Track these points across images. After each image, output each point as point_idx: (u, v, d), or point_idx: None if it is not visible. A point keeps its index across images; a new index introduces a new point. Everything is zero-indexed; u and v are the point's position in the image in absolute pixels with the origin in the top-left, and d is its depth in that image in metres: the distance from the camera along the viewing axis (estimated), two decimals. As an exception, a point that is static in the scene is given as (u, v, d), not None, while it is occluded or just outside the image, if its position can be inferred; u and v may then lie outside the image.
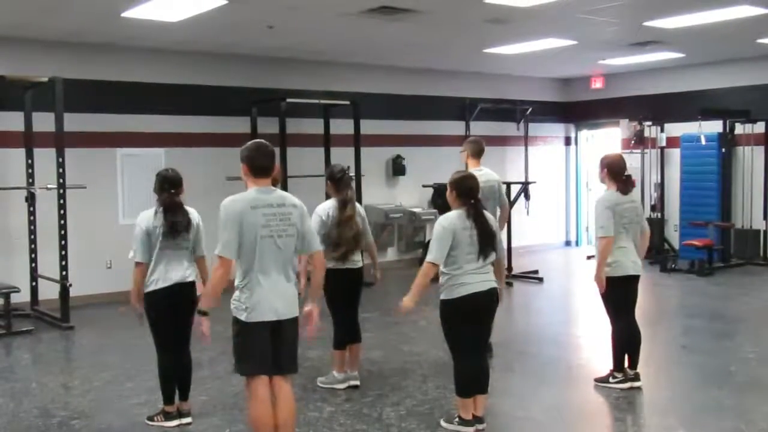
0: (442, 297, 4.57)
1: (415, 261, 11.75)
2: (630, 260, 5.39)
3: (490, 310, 4.66)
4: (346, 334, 5.59)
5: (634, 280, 5.46)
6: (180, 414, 4.87)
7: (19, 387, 5.81)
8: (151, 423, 4.86)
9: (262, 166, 3.91)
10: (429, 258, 4.49)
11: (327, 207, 5.41)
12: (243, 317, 3.84)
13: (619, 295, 5.42)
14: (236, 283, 3.89)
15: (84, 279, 8.44)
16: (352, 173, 10.10)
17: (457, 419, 4.65)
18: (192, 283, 4.82)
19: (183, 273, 4.76)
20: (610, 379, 5.49)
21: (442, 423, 4.74)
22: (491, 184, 6.37)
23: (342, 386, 5.52)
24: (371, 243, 5.68)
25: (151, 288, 4.72)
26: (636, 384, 5.43)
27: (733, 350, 6.63)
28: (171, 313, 4.74)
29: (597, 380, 5.58)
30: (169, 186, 4.75)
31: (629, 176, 5.51)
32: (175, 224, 4.68)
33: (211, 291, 3.86)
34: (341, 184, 5.45)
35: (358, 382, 5.56)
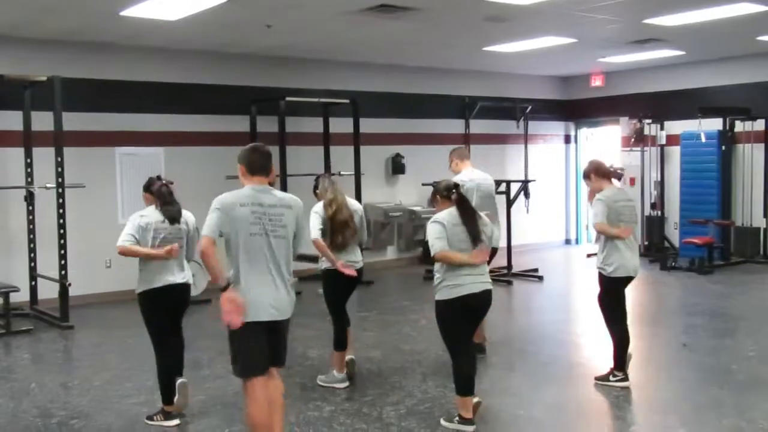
0: (437, 297, 4.59)
1: (415, 260, 11.76)
2: (631, 262, 5.42)
3: (483, 311, 4.74)
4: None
5: (630, 281, 5.52)
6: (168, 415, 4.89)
7: (18, 387, 5.80)
8: (150, 422, 4.85)
9: (259, 164, 3.94)
10: (437, 249, 4.49)
11: (321, 205, 5.47)
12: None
13: (619, 295, 5.45)
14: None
15: (83, 278, 8.43)
16: (351, 172, 10.15)
17: (457, 418, 4.65)
18: (186, 285, 4.85)
19: (177, 275, 4.79)
20: (611, 378, 5.49)
21: (443, 422, 4.73)
22: (489, 182, 6.42)
23: (342, 385, 5.52)
24: (363, 240, 5.73)
25: (145, 288, 4.73)
26: (625, 383, 5.44)
27: (733, 348, 6.62)
28: (165, 313, 4.78)
29: (597, 379, 5.57)
30: (158, 177, 4.91)
31: (615, 169, 5.57)
32: (171, 212, 4.76)
33: (210, 271, 3.79)
34: (322, 188, 5.53)
35: (352, 356, 5.62)
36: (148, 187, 4.95)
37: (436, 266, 4.59)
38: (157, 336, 4.83)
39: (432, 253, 4.53)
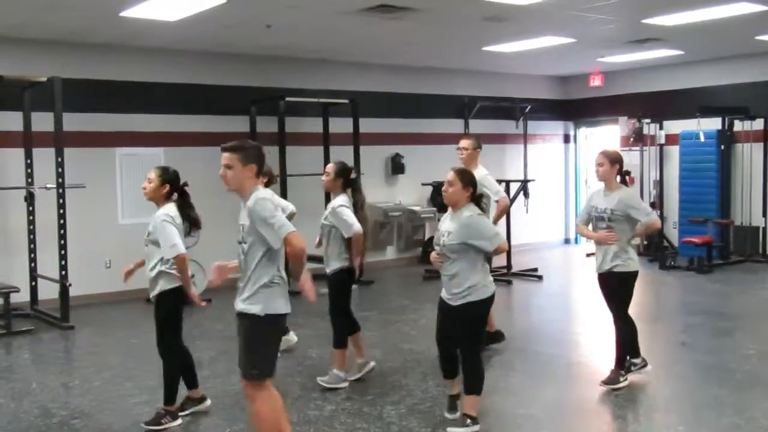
0: (474, 299, 4.47)
1: (414, 259, 11.77)
2: (637, 256, 5.46)
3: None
4: (350, 326, 5.60)
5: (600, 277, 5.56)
6: (201, 400, 4.98)
7: (19, 387, 5.81)
8: (159, 427, 4.75)
9: (263, 168, 3.94)
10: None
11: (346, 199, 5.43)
12: (283, 309, 3.81)
13: (632, 290, 5.44)
14: (267, 279, 3.77)
15: (83, 279, 8.43)
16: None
17: (470, 421, 4.58)
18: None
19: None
20: (621, 380, 5.42)
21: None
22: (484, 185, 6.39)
23: (344, 384, 5.52)
24: None
25: (178, 284, 4.69)
26: (648, 368, 5.57)
27: (732, 347, 6.63)
28: (182, 311, 4.83)
29: (608, 384, 5.38)
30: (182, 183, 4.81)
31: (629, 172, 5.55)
32: (197, 218, 4.74)
33: (301, 264, 3.79)
34: (355, 185, 5.50)
35: (373, 363, 5.69)
36: (174, 182, 4.80)
37: (476, 268, 4.49)
38: (178, 334, 4.81)
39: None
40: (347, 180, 5.47)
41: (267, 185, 4.07)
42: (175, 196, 4.80)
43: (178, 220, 4.68)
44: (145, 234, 4.75)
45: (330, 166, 5.54)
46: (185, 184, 4.81)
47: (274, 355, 3.89)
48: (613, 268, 5.33)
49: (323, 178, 5.55)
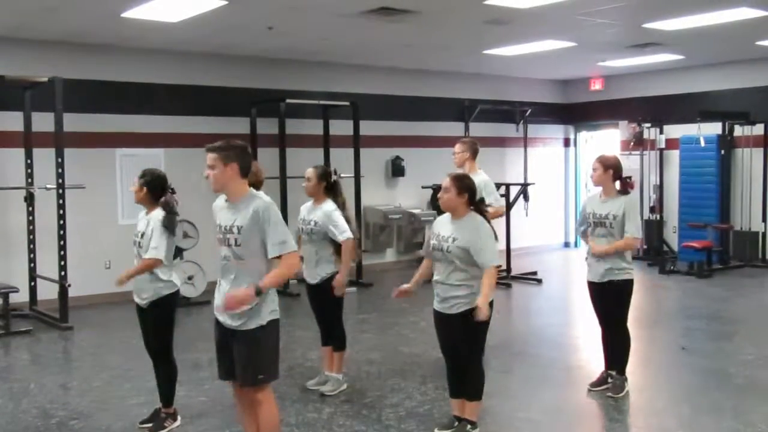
0: (475, 305, 4.36)
1: (414, 262, 11.76)
2: (632, 265, 5.40)
3: None
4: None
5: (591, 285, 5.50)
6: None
7: (17, 387, 5.81)
8: (163, 431, 4.75)
9: (249, 169, 3.85)
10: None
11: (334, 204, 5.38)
12: (277, 315, 3.79)
13: (629, 300, 5.36)
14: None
15: (83, 279, 8.44)
16: (351, 174, 10.17)
17: (470, 426, 4.54)
18: None
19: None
20: (626, 385, 5.42)
21: None
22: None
23: (345, 386, 5.52)
24: None
25: (174, 290, 4.67)
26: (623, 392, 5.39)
27: (732, 352, 6.63)
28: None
29: (613, 394, 5.34)
30: (171, 189, 4.75)
31: (630, 177, 5.50)
32: (174, 223, 4.68)
33: (282, 280, 3.77)
34: (336, 187, 5.44)
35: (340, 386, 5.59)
36: (159, 189, 4.75)
37: (471, 276, 4.35)
38: (172, 336, 4.77)
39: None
40: (329, 183, 5.40)
41: (256, 187, 4.02)
42: (164, 198, 4.74)
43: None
44: (136, 235, 4.68)
45: (310, 171, 5.40)
46: (172, 190, 4.73)
47: (278, 354, 3.85)
48: (610, 279, 5.25)
49: (304, 183, 5.41)
